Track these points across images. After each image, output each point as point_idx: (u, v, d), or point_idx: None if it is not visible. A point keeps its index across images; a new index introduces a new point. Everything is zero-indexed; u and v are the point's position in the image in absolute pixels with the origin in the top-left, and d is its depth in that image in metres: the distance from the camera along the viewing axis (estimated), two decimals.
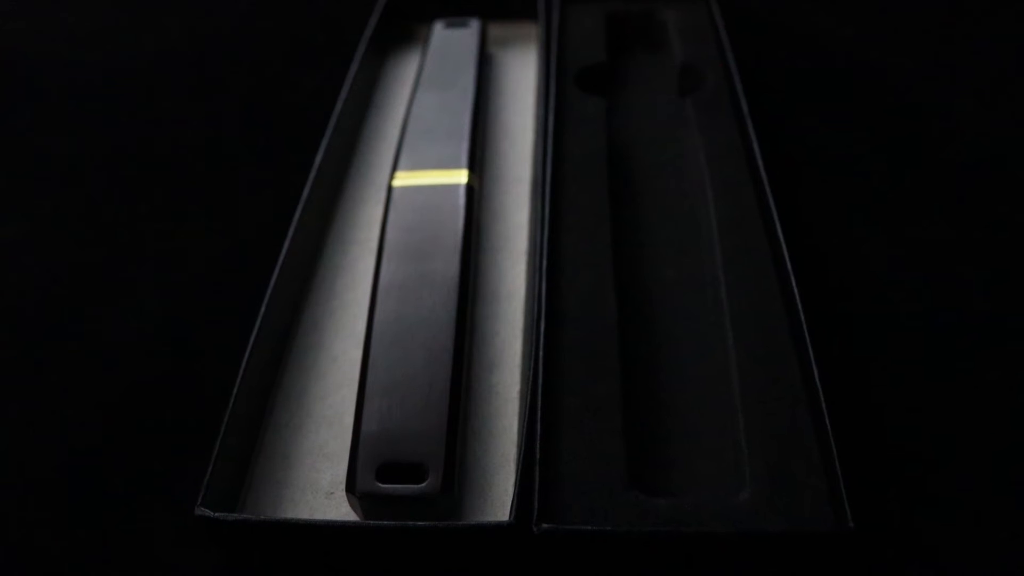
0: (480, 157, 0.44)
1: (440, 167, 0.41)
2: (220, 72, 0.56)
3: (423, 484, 0.29)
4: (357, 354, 0.35)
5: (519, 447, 0.31)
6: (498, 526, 0.27)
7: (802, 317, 0.32)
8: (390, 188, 0.41)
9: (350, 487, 0.29)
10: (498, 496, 0.31)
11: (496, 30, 0.56)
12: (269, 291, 0.35)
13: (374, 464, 0.30)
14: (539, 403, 0.30)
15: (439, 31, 0.53)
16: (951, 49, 0.54)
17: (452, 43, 0.51)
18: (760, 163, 0.39)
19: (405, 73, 0.53)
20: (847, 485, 0.27)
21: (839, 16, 0.58)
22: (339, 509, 0.31)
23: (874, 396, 0.34)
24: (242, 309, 0.37)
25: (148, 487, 0.32)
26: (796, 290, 0.33)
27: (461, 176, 0.41)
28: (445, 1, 0.55)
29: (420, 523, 0.27)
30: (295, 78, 0.55)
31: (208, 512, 0.28)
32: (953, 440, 0.32)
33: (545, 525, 0.27)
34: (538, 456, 0.29)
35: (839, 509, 0.27)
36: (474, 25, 0.53)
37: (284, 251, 0.36)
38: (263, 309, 0.34)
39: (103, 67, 0.57)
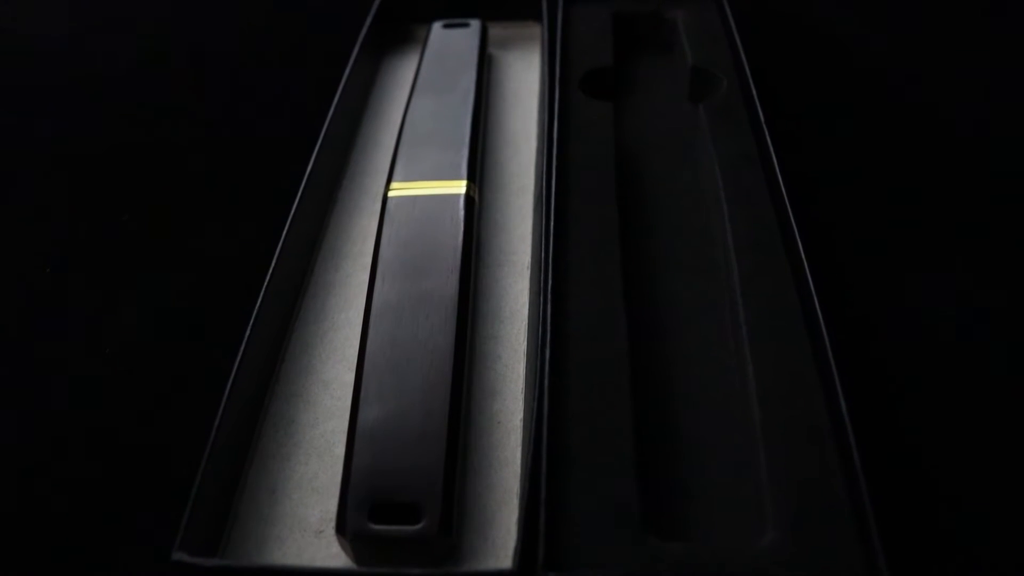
0: (480, 166, 0.42)
1: (438, 177, 0.39)
2: (208, 76, 0.55)
3: (419, 525, 0.27)
4: (350, 379, 0.33)
5: (523, 483, 0.29)
6: (500, 575, 0.25)
7: (827, 343, 0.30)
8: (385, 199, 0.39)
9: (340, 528, 0.28)
10: (500, 536, 0.29)
11: (497, 31, 0.54)
12: (256, 310, 0.33)
13: (366, 503, 0.28)
14: (544, 437, 0.28)
15: (438, 32, 0.51)
16: (982, 53, 0.52)
17: (451, 45, 0.50)
18: (779, 174, 0.37)
19: (402, 76, 0.52)
20: (879, 529, 0.25)
21: (860, 15, 0.56)
22: (329, 549, 0.29)
23: (908, 431, 0.32)
24: (227, 329, 0.35)
25: (122, 528, 0.30)
26: (820, 313, 0.31)
27: (460, 186, 0.39)
28: (444, 0, 0.53)
29: (415, 570, 0.26)
30: (286, 81, 0.53)
31: (186, 557, 0.26)
32: (995, 480, 0.30)
33: (551, 575, 0.25)
34: (543, 496, 0.27)
35: (871, 555, 0.25)
36: (474, 26, 0.51)
37: (272, 266, 0.34)
38: (249, 329, 0.32)
39: (91, 68, 0.56)
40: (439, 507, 0.27)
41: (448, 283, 0.34)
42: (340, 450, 0.31)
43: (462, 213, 0.37)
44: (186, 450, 0.31)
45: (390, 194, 0.39)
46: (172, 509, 0.28)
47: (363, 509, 0.27)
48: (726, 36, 0.48)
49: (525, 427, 0.32)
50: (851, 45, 0.54)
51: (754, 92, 0.42)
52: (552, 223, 0.36)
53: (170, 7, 0.62)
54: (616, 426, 0.29)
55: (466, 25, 0.51)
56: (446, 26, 0.51)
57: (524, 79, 0.51)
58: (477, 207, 0.39)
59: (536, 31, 0.54)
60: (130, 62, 0.56)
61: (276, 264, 0.35)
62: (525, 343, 0.35)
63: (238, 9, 0.62)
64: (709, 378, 0.32)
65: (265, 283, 0.34)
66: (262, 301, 0.33)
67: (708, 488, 0.29)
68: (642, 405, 0.31)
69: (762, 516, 0.27)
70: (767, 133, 0.39)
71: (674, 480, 0.29)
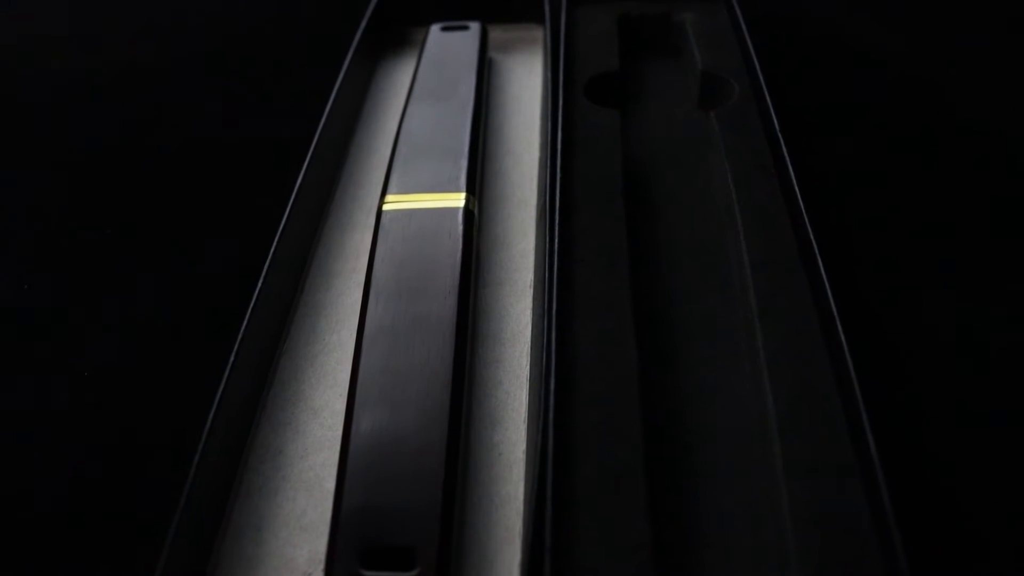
0: (480, 177, 0.40)
1: (435, 189, 0.38)
2: (194, 81, 0.53)
3: (413, 573, 0.25)
4: (341, 406, 0.31)
5: (525, 522, 0.28)
6: None
7: (851, 368, 0.28)
8: (379, 212, 0.37)
9: (329, 574, 0.26)
10: None
11: (498, 34, 0.53)
12: (242, 331, 0.31)
13: (357, 547, 0.26)
14: (549, 473, 0.26)
15: (436, 35, 0.50)
16: (1003, 57, 0.50)
17: (450, 48, 0.48)
18: (795, 185, 0.35)
19: (398, 82, 0.50)
20: (912, 574, 0.23)
21: (876, 16, 0.54)
22: None
23: (941, 465, 0.30)
24: (211, 351, 0.33)
25: (94, 570, 0.28)
26: (843, 335, 0.29)
27: (459, 199, 0.37)
28: (442, 2, 0.52)
29: None
30: (276, 87, 0.52)
31: None
32: None
33: None
34: (548, 538, 0.25)
35: None
36: (474, 29, 0.50)
37: (260, 284, 0.33)
38: (234, 353, 0.30)
39: (76, 73, 0.54)
40: (435, 551, 0.25)
41: (446, 304, 0.32)
42: (330, 484, 0.29)
43: (461, 228, 0.35)
44: (165, 484, 0.29)
45: (385, 208, 0.37)
46: (148, 548, 0.26)
47: (353, 553, 0.26)
48: (737, 39, 0.46)
49: (528, 460, 0.30)
50: (868, 47, 0.51)
51: (768, 98, 0.40)
52: (556, 239, 0.34)
53: (155, 9, 0.60)
54: (626, 461, 0.27)
55: (465, 28, 0.50)
56: (444, 29, 0.50)
57: (526, 85, 0.49)
58: (476, 221, 0.37)
59: (538, 34, 0.53)
60: (115, 67, 0.54)
61: (264, 282, 0.33)
62: (528, 368, 0.33)
63: (226, 11, 0.60)
64: (726, 408, 0.30)
65: (252, 302, 0.32)
66: (248, 321, 0.31)
67: (726, 529, 0.27)
68: (654, 438, 0.29)
69: (784, 560, 0.25)
70: (782, 142, 0.38)
71: (689, 521, 0.27)
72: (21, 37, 0.59)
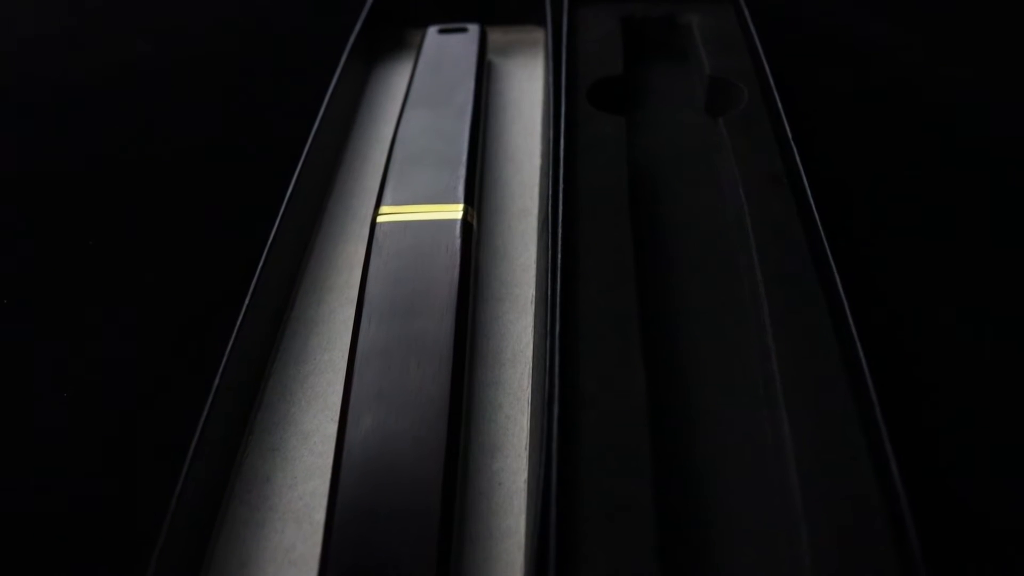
0: (479, 187, 0.39)
1: (432, 200, 0.36)
2: (183, 85, 0.51)
3: None
4: (333, 431, 0.30)
5: (527, 558, 0.26)
6: None
7: (872, 393, 0.27)
8: (374, 224, 0.36)
9: None
10: None
11: (497, 36, 0.52)
12: (229, 349, 0.29)
13: None
14: (552, 509, 0.25)
15: (433, 37, 0.49)
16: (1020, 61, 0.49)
17: (448, 51, 0.47)
18: (810, 195, 0.34)
19: (394, 86, 0.49)
20: None
21: (890, 17, 0.52)
22: None
23: (971, 499, 0.28)
24: (197, 371, 0.32)
25: None
26: (863, 358, 0.28)
27: (456, 210, 0.36)
28: (440, 3, 0.51)
29: None
30: (266, 91, 0.50)
31: None
32: None
33: None
34: None
35: None
36: (473, 31, 0.49)
37: (247, 299, 0.31)
38: (218, 377, 0.29)
39: (60, 80, 0.53)
40: None
41: (443, 323, 0.31)
42: (321, 515, 0.28)
43: (459, 241, 0.34)
44: (145, 515, 0.28)
45: (379, 219, 0.35)
46: None
47: None
48: (746, 41, 0.44)
49: (530, 491, 0.28)
50: (882, 49, 0.50)
51: (778, 103, 0.39)
52: (559, 251, 0.32)
53: (139, 10, 0.59)
54: (633, 492, 0.26)
55: (464, 30, 0.49)
56: (442, 31, 0.49)
57: (527, 89, 0.48)
58: (475, 234, 0.36)
59: (539, 36, 0.52)
60: (94, 71, 0.53)
61: (252, 296, 0.31)
62: (529, 391, 0.31)
63: (220, 12, 0.58)
64: (739, 435, 0.29)
65: (240, 318, 0.30)
66: (235, 338, 0.30)
67: (740, 566, 0.25)
68: (663, 467, 0.27)
69: None
70: (794, 148, 0.36)
71: (700, 557, 0.26)
72: (21, 38, 0.57)
